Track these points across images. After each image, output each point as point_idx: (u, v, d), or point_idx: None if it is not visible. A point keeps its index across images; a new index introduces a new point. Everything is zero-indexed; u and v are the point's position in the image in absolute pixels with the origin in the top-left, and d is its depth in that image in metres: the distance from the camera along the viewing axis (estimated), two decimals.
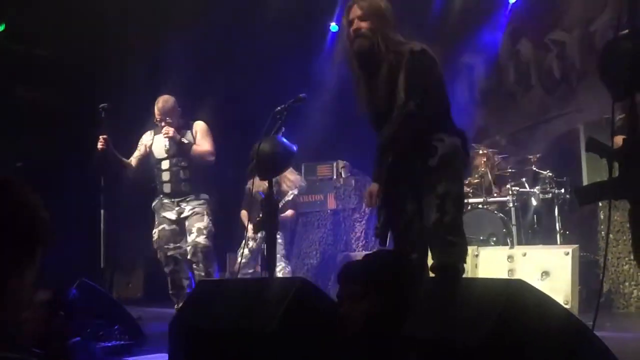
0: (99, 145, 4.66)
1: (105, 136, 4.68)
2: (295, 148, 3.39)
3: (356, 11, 2.97)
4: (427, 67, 2.86)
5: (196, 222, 4.80)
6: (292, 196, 6.19)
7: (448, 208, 2.55)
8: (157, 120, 4.91)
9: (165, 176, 4.92)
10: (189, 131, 4.97)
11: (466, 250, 2.61)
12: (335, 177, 7.29)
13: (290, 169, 6.01)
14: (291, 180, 6.23)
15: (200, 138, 4.98)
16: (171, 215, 4.87)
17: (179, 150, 4.86)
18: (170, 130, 4.82)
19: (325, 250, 6.92)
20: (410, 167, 2.76)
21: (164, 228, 4.88)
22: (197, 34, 7.76)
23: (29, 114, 7.47)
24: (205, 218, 4.85)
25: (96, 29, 7.51)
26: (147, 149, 5.02)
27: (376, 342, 2.26)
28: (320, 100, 8.11)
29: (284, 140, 3.30)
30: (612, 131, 2.28)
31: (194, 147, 4.91)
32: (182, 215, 4.86)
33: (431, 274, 2.60)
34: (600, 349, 2.06)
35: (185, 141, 4.89)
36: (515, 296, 2.09)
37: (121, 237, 7.89)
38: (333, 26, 8.74)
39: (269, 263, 3.23)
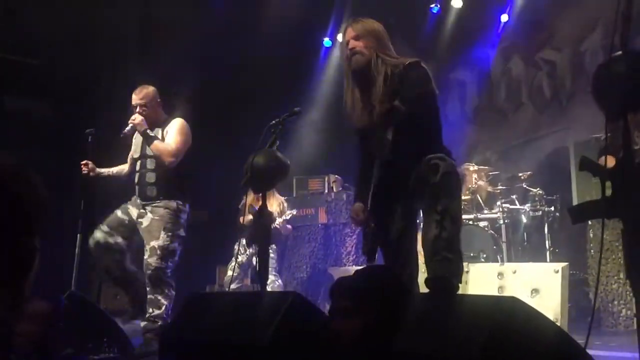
0: (83, 171, 4.50)
1: (85, 162, 4.51)
2: (289, 162, 3.39)
3: (350, 33, 3.10)
4: (421, 76, 2.94)
5: (151, 240, 4.30)
6: (290, 216, 6.24)
7: (447, 225, 2.58)
8: (133, 107, 4.49)
9: (135, 178, 4.51)
10: (159, 129, 4.47)
11: (462, 267, 2.63)
12: (326, 191, 7.31)
13: (273, 191, 6.06)
14: (278, 202, 6.28)
15: (168, 135, 4.42)
16: (132, 211, 4.43)
17: (146, 142, 4.41)
18: (138, 117, 4.36)
19: (316, 265, 6.92)
20: (403, 183, 2.78)
21: (116, 213, 4.43)
22: (191, 46, 7.78)
23: (17, 124, 7.43)
24: (162, 235, 4.30)
25: (88, 39, 7.52)
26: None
27: (368, 357, 2.25)
28: (313, 114, 8.17)
29: (279, 153, 3.30)
30: (605, 150, 2.31)
31: (156, 142, 4.35)
32: (140, 220, 4.39)
33: (425, 289, 2.61)
34: None
35: (151, 133, 4.37)
36: (507, 313, 2.09)
37: None
38: (326, 41, 8.81)
39: (261, 277, 3.21)
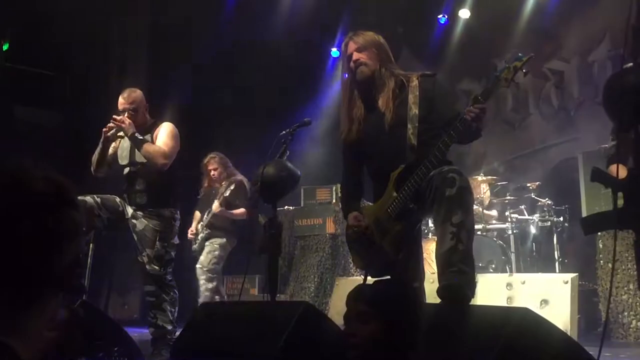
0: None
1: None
2: (299, 172, 3.41)
3: (352, 46, 3.11)
4: (444, 87, 3.10)
5: (147, 247, 4.23)
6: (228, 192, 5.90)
7: (463, 237, 2.57)
8: (119, 111, 4.28)
9: (124, 185, 4.36)
10: (149, 135, 4.30)
11: (475, 280, 2.62)
12: (334, 200, 7.29)
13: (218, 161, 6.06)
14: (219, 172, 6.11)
15: (159, 138, 4.28)
16: (128, 208, 4.30)
17: (136, 146, 4.24)
18: (126, 120, 4.17)
19: (323, 274, 6.90)
20: (417, 196, 2.79)
21: (115, 197, 4.30)
22: (200, 57, 7.84)
23: (28, 135, 7.48)
24: (158, 245, 4.23)
25: (98, 49, 7.59)
26: (115, 151, 4.45)
27: None
28: (320, 124, 8.19)
29: (289, 164, 3.32)
30: (617, 159, 2.31)
31: (146, 145, 4.18)
32: (134, 221, 4.27)
33: (436, 299, 2.61)
34: None
35: (140, 137, 4.18)
36: (520, 324, 2.09)
37: (117, 258, 7.87)
38: (334, 52, 8.85)
39: (271, 287, 3.22)
